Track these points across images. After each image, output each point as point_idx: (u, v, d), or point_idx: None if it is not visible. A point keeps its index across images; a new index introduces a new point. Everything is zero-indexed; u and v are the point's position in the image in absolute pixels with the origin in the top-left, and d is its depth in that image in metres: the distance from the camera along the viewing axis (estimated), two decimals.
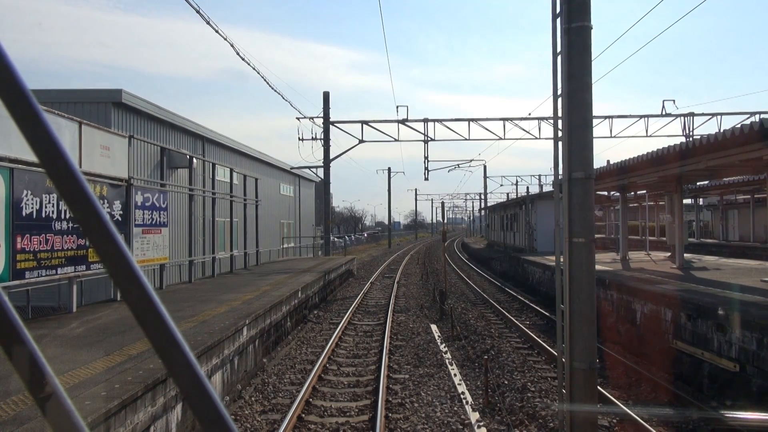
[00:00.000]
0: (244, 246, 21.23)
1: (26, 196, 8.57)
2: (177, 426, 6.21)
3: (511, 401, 7.83)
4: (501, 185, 63.06)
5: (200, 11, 11.47)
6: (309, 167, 29.28)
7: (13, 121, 0.56)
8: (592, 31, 5.43)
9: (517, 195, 52.93)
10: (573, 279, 5.41)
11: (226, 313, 9.85)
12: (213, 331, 8.12)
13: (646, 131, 27.08)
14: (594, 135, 5.70)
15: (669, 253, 20.49)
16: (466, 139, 27.09)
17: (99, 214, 0.57)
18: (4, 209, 8.11)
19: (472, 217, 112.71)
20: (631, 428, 6.87)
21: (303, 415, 7.47)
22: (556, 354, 7.75)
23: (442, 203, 36.02)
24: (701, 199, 39.17)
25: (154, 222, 12.83)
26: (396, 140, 27.43)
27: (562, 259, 5.64)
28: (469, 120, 27.03)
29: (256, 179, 22.50)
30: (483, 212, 66.30)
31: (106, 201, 10.85)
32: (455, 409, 7.56)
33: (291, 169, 30.91)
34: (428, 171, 30.42)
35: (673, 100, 29.86)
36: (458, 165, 46.15)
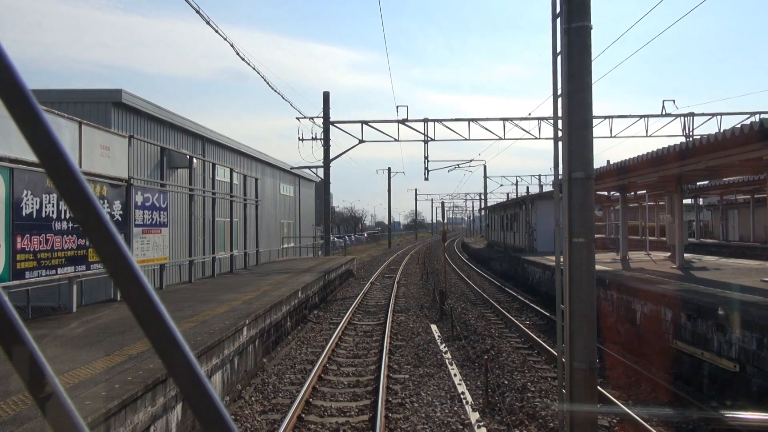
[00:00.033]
0: (244, 246, 21.23)
1: (26, 196, 8.57)
2: (177, 426, 6.22)
3: (511, 401, 7.83)
4: (501, 185, 63.15)
5: (200, 11, 11.47)
6: (309, 167, 29.28)
7: (13, 121, 0.56)
8: (592, 31, 5.43)
9: (517, 195, 52.95)
10: (573, 279, 5.41)
11: (226, 313, 9.85)
12: (213, 331, 8.12)
13: (646, 131, 27.09)
14: (594, 135, 5.70)
15: (669, 253, 20.49)
16: (466, 139, 27.10)
17: (99, 214, 0.57)
18: (4, 209, 8.11)
19: (472, 217, 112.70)
20: (631, 428, 6.87)
21: (303, 415, 7.47)
22: (556, 354, 7.75)
23: (442, 203, 35.97)
24: (701, 199, 39.16)
25: (154, 222, 12.83)
26: (396, 140, 27.44)
27: (562, 259, 5.64)
28: (469, 120, 27.03)
29: (256, 179, 22.50)
30: (483, 212, 66.29)
31: (106, 201, 10.85)
32: (455, 409, 7.56)
33: (291, 169, 30.91)
34: (428, 171, 30.43)
35: (673, 100, 29.87)
36: (458, 165, 46.21)
